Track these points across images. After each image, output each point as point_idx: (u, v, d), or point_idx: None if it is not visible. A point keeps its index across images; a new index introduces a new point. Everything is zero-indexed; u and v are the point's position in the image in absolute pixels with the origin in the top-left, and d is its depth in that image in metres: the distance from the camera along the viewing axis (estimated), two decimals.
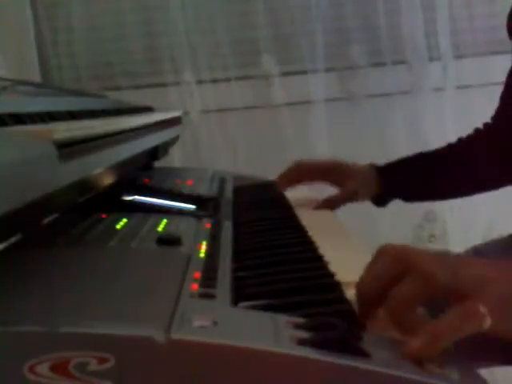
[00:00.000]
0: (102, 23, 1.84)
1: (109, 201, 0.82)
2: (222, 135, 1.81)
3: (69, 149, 0.53)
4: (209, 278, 0.54)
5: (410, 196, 1.19)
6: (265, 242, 0.74)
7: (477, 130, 1.18)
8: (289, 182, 1.13)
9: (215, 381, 0.39)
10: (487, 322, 0.44)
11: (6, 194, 0.40)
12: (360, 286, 0.51)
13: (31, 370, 0.38)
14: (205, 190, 1.04)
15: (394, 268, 0.49)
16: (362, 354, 0.41)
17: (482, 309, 0.44)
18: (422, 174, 1.16)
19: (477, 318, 0.44)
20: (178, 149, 1.71)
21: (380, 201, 1.18)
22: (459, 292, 0.47)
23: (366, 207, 1.54)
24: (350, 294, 0.55)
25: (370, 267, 0.51)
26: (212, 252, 0.64)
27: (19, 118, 0.59)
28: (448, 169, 1.16)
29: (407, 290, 0.47)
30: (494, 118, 1.16)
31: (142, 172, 1.13)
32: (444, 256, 0.51)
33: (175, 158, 1.73)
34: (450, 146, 1.18)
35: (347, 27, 1.83)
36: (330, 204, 1.11)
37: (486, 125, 1.17)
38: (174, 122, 1.27)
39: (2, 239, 0.52)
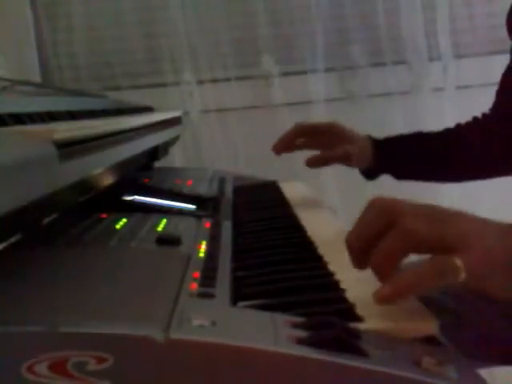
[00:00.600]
0: (101, 23, 1.83)
1: (109, 201, 0.82)
2: (222, 135, 1.81)
3: (69, 149, 0.53)
4: (208, 277, 0.54)
5: (401, 173, 1.19)
6: (264, 242, 0.74)
7: (475, 119, 1.19)
8: (287, 145, 1.11)
9: (214, 380, 0.39)
10: (462, 275, 0.46)
11: (6, 193, 0.40)
12: (349, 237, 0.54)
13: (30, 369, 0.38)
14: (205, 189, 1.04)
15: (380, 220, 0.51)
16: (361, 353, 0.41)
17: (458, 262, 0.46)
18: (416, 153, 1.16)
19: (451, 270, 0.47)
20: (178, 149, 1.71)
21: (370, 174, 1.17)
22: (443, 247, 0.48)
23: None
24: (350, 292, 0.55)
25: (359, 219, 0.53)
26: (211, 252, 0.64)
27: (19, 118, 0.59)
28: (442, 151, 1.16)
29: (390, 244, 0.49)
30: (491, 110, 1.17)
31: (142, 172, 1.13)
32: (430, 210, 0.51)
33: (175, 158, 1.73)
34: (447, 130, 1.19)
35: (347, 27, 1.83)
36: (323, 158, 1.10)
37: (484, 115, 1.18)
38: (174, 122, 1.27)
39: (2, 239, 0.52)
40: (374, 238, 0.51)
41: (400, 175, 1.19)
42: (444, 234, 0.49)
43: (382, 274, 0.50)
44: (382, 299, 0.46)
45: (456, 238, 0.49)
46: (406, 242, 0.49)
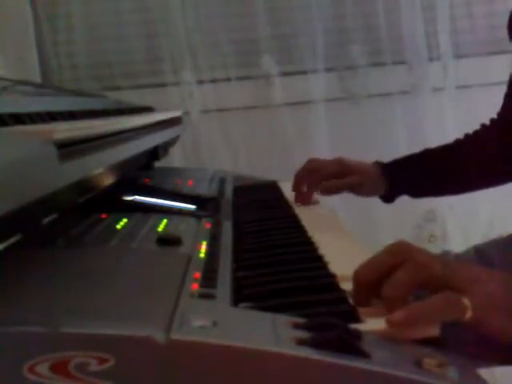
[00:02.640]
0: (101, 23, 1.83)
1: (109, 201, 0.82)
2: (222, 135, 1.81)
3: (69, 149, 0.53)
4: (209, 278, 0.54)
5: (417, 192, 1.19)
6: (265, 242, 0.74)
7: (483, 126, 1.18)
8: (301, 184, 1.13)
9: (215, 381, 0.39)
10: (468, 313, 0.49)
11: (6, 194, 0.40)
12: (358, 271, 0.54)
13: (31, 370, 0.38)
14: (205, 189, 1.04)
15: (394, 257, 0.53)
16: (362, 354, 0.41)
17: (466, 301, 0.49)
18: (429, 170, 1.17)
19: (459, 307, 0.49)
20: (178, 149, 1.70)
21: (388, 197, 1.18)
22: (450, 286, 0.51)
23: (365, 207, 1.54)
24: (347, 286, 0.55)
25: (372, 257, 0.54)
26: (212, 252, 0.64)
27: (19, 118, 0.59)
28: (454, 165, 1.16)
29: (403, 275, 0.51)
30: (499, 115, 1.16)
31: (142, 172, 1.13)
32: (443, 256, 0.53)
33: (175, 158, 1.73)
34: (456, 142, 1.19)
35: (347, 27, 1.83)
36: (336, 186, 1.11)
37: (492, 120, 1.17)
38: (174, 122, 1.27)
39: (2, 239, 0.52)
40: (384, 275, 0.52)
41: (415, 194, 1.19)
42: (455, 275, 0.52)
43: (391, 304, 0.51)
44: (394, 324, 0.47)
45: (464, 281, 0.52)
46: (418, 274, 0.51)
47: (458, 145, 1.18)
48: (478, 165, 1.14)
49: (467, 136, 1.19)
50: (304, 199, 1.09)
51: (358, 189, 1.15)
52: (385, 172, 1.15)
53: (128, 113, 1.14)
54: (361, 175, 1.14)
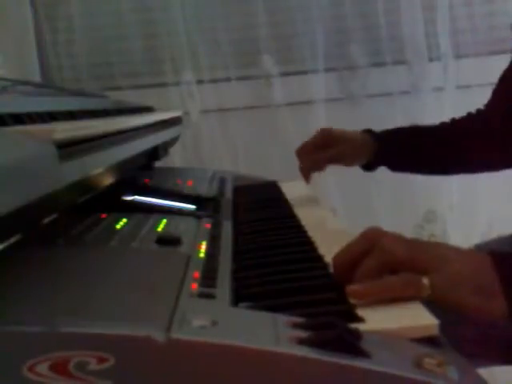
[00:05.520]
0: (102, 23, 1.83)
1: (109, 201, 0.82)
2: (222, 135, 1.81)
3: (69, 149, 0.53)
4: (209, 277, 0.54)
5: (395, 165, 1.21)
6: (265, 242, 0.74)
7: (469, 114, 1.20)
8: (309, 172, 1.13)
9: (214, 380, 0.39)
10: (427, 291, 0.54)
11: (6, 193, 0.40)
12: (335, 258, 0.60)
13: (31, 369, 0.38)
14: (205, 189, 1.04)
15: (364, 244, 0.58)
16: (362, 354, 0.41)
17: (425, 280, 0.54)
18: (410, 145, 1.18)
19: (416, 285, 0.54)
20: (178, 149, 1.71)
21: (368, 166, 1.19)
22: (414, 267, 0.55)
23: (366, 207, 1.54)
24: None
25: (348, 243, 0.60)
26: (212, 252, 0.64)
27: (19, 118, 0.59)
28: (435, 145, 1.18)
29: (370, 261, 0.57)
30: (486, 106, 1.18)
31: (142, 172, 1.13)
32: (411, 240, 0.60)
33: (175, 158, 1.73)
34: (443, 124, 1.20)
35: (347, 27, 1.83)
36: (316, 162, 1.12)
37: (478, 111, 1.19)
38: (174, 121, 1.27)
39: (2, 239, 0.52)
40: (357, 259, 0.57)
41: (394, 167, 1.21)
42: (417, 257, 0.57)
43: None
44: (351, 293, 0.53)
45: (427, 263, 0.56)
46: (382, 260, 0.56)
47: (441, 127, 1.20)
48: (456, 149, 1.16)
49: (453, 120, 1.20)
50: (304, 177, 1.12)
51: (340, 160, 1.15)
52: (375, 139, 1.16)
53: (128, 113, 1.15)
54: (343, 144, 1.14)
